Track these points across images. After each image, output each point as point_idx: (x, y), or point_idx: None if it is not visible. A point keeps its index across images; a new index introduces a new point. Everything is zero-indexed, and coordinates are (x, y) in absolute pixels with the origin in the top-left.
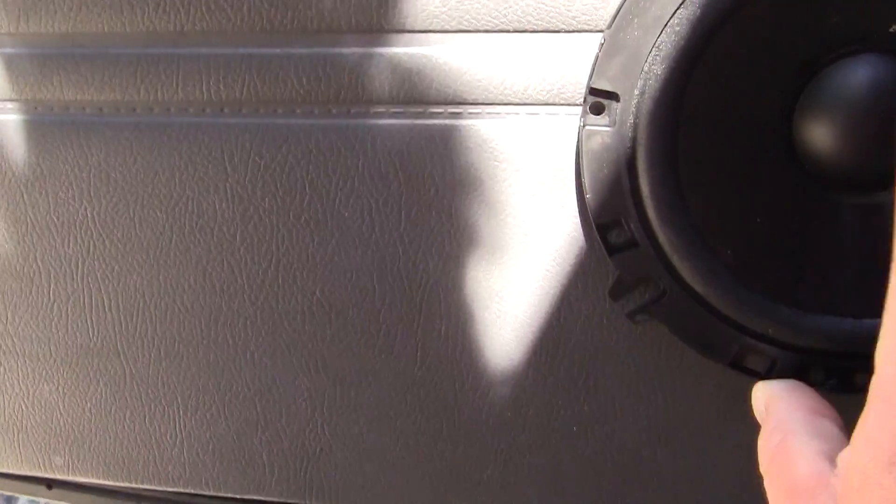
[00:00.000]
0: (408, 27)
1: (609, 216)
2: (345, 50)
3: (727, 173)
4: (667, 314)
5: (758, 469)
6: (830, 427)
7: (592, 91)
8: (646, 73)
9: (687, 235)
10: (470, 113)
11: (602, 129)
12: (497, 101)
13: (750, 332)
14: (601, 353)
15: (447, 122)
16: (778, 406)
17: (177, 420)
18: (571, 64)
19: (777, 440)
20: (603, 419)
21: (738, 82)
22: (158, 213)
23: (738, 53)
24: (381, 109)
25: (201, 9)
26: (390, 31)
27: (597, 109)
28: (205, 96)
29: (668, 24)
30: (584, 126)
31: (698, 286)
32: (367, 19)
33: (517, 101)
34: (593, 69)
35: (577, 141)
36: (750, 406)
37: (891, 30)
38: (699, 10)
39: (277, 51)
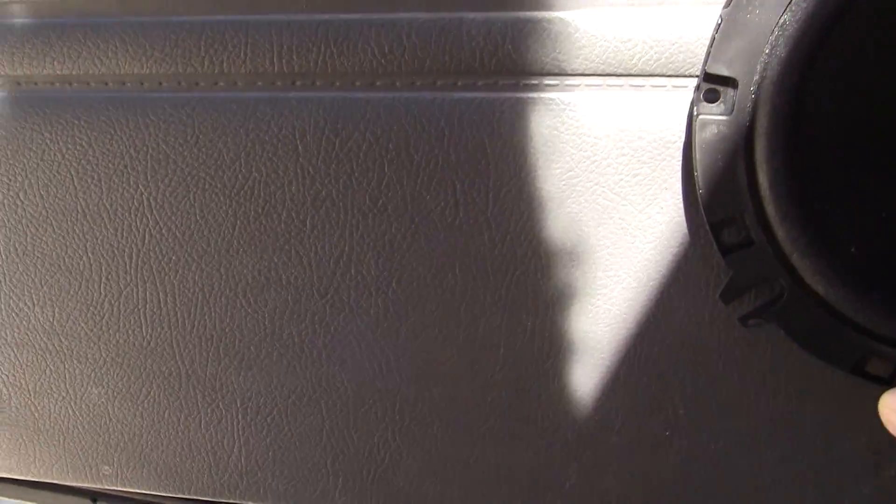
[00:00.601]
0: None
1: (724, 213)
2: (431, 15)
3: (852, 164)
4: (784, 317)
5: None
6: None
7: (707, 77)
8: (767, 55)
9: (808, 232)
10: (567, 85)
11: (717, 118)
12: (598, 73)
13: (874, 335)
14: (702, 353)
15: (542, 95)
16: None
17: (235, 425)
18: (682, 30)
19: None
20: (698, 424)
21: (868, 64)
22: (221, 198)
23: (869, 32)
24: (469, 81)
25: None
26: None
27: (712, 97)
28: (275, 68)
29: (794, 1)
30: (697, 115)
31: (820, 287)
32: None
33: (620, 71)
34: (709, 52)
35: (689, 131)
36: (863, 411)
37: None
38: None
39: (357, 16)
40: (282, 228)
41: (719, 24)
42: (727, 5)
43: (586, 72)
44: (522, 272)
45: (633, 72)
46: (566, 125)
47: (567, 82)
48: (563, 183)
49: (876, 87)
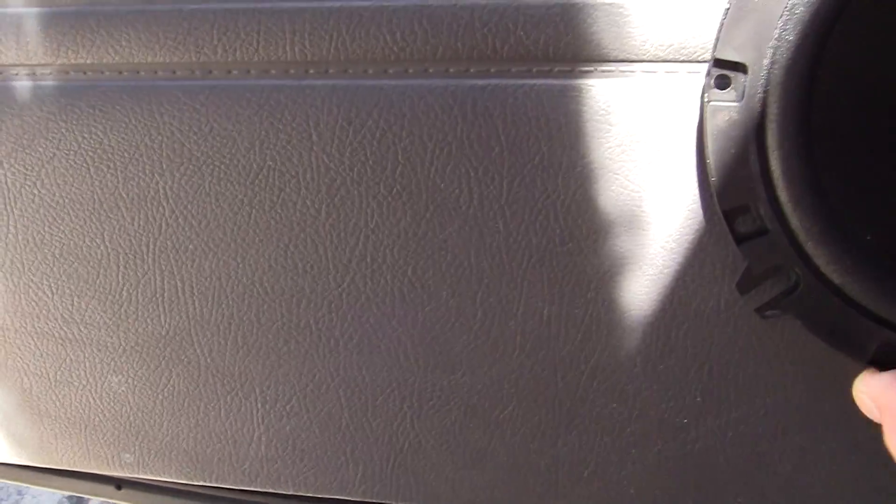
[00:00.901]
0: None
1: (737, 201)
2: (443, 2)
3: (866, 150)
4: (800, 308)
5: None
6: None
7: (717, 62)
8: (776, 39)
9: (823, 220)
10: (581, 72)
11: (728, 104)
12: (611, 59)
13: (892, 325)
14: (719, 341)
15: (555, 82)
16: (891, 399)
17: (254, 413)
18: (694, 15)
19: None
20: (716, 412)
21: (879, 49)
22: (236, 187)
23: (879, 15)
24: (481, 68)
25: None
26: None
27: (722, 83)
28: (288, 56)
29: None
30: (708, 102)
31: (836, 276)
32: None
33: (633, 57)
34: (718, 37)
35: (700, 118)
36: None
37: None
38: None
39: (369, 3)
40: (297, 217)
41: (727, 9)
42: None
43: (598, 58)
44: (538, 260)
45: (645, 58)
46: (579, 112)
47: (580, 69)
48: (577, 170)
49: (888, 70)
